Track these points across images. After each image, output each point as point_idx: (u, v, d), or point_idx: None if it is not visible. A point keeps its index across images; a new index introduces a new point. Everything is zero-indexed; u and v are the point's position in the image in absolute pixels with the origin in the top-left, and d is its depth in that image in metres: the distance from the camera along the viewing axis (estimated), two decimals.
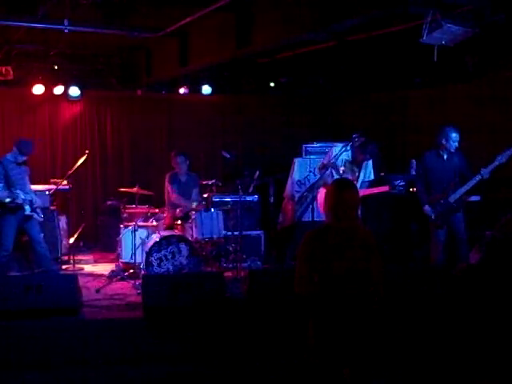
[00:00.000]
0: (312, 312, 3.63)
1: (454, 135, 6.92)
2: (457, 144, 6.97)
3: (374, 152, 7.31)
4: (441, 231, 7.09)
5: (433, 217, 7.03)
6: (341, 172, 7.39)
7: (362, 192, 7.29)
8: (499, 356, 5.45)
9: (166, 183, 8.08)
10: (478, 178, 6.78)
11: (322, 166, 7.61)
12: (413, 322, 5.99)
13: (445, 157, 7.05)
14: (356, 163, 7.35)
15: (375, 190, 7.43)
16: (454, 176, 6.98)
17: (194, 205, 7.83)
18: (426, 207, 7.05)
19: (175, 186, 8.04)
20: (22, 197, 6.98)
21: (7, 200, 6.85)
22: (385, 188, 7.42)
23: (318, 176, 7.92)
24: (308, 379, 3.70)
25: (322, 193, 7.64)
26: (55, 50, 8.95)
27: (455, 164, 7.00)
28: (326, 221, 3.78)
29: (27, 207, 7.04)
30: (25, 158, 7.22)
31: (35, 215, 7.20)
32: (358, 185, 7.39)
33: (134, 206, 8.40)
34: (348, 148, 7.43)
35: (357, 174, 7.41)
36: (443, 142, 6.97)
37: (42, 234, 8.01)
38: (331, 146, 7.89)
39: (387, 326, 5.06)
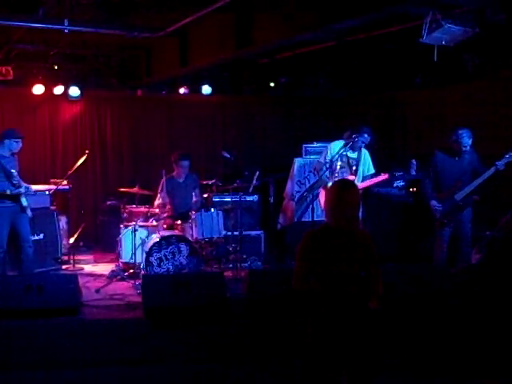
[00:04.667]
0: (309, 310, 3.64)
1: (466, 138, 6.84)
2: (468, 147, 6.89)
3: (369, 131, 7.40)
4: (446, 230, 7.05)
5: (438, 214, 6.99)
6: (338, 168, 7.43)
7: (364, 184, 7.34)
8: (500, 355, 5.45)
9: (159, 188, 8.04)
10: (493, 170, 6.71)
11: (319, 166, 7.66)
12: (413, 321, 5.99)
13: (456, 157, 6.99)
14: (355, 150, 7.45)
15: (376, 180, 7.47)
16: (463, 175, 6.92)
17: None
18: (433, 202, 6.99)
19: (170, 190, 8.01)
20: (22, 190, 6.89)
21: (8, 192, 6.78)
22: (384, 176, 7.44)
23: (318, 176, 7.95)
24: (306, 376, 3.70)
25: (323, 193, 7.66)
26: (55, 50, 8.95)
27: (466, 163, 6.94)
28: (326, 221, 3.78)
29: (23, 199, 6.94)
30: (20, 145, 7.09)
31: (28, 210, 7.06)
32: (360, 179, 7.43)
33: (134, 205, 8.39)
34: (348, 148, 7.46)
35: (354, 167, 7.46)
36: (455, 143, 6.91)
37: (42, 235, 8.03)
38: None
39: (386, 326, 5.07)
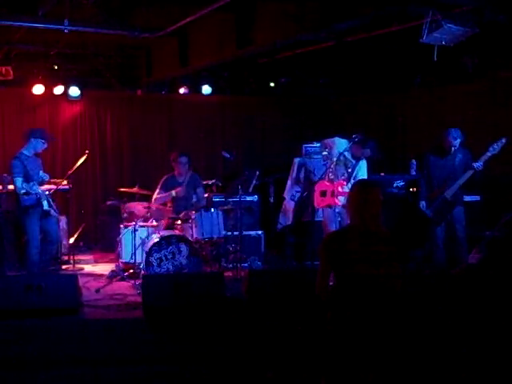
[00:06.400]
0: (331, 314, 3.62)
1: (451, 138, 7.08)
2: (457, 145, 7.13)
3: (373, 147, 7.45)
4: (439, 228, 7.21)
5: (429, 213, 7.18)
6: (334, 164, 7.42)
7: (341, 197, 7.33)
8: (499, 356, 5.44)
9: (159, 185, 8.02)
10: (470, 172, 6.93)
11: (326, 157, 7.68)
12: (413, 322, 5.99)
13: (446, 155, 7.19)
14: (354, 158, 7.45)
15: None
16: (453, 173, 7.08)
17: (174, 193, 7.85)
18: (422, 203, 7.24)
19: (170, 188, 7.99)
20: (38, 190, 7.04)
21: (22, 191, 6.91)
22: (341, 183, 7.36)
23: (325, 166, 7.89)
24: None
25: (317, 192, 7.64)
26: (55, 50, 8.94)
27: (457, 161, 7.12)
28: (350, 222, 3.75)
29: (45, 202, 7.15)
30: (45, 146, 7.27)
31: (52, 211, 7.27)
32: (352, 182, 7.43)
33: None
34: (348, 148, 7.45)
35: (349, 170, 7.45)
36: (444, 142, 7.16)
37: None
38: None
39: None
